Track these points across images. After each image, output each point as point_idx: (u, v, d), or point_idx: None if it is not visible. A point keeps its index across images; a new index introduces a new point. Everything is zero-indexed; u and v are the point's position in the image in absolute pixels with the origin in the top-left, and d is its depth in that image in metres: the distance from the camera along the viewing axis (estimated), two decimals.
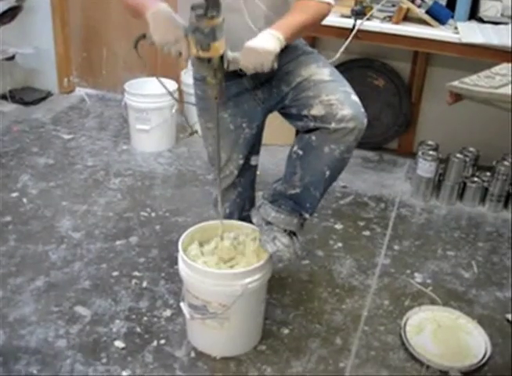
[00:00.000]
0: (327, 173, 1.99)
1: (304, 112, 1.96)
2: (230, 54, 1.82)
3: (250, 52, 1.80)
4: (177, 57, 1.84)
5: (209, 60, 1.79)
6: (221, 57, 1.79)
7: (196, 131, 2.35)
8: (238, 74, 1.98)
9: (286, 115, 2.08)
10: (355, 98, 1.95)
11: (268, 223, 2.13)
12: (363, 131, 1.93)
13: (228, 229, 2.27)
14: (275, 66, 1.82)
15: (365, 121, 1.92)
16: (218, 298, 2.08)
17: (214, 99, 1.92)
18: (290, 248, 2.12)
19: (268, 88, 2.07)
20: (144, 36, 1.87)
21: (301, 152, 2.01)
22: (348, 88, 1.98)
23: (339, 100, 1.90)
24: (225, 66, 1.83)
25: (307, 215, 2.13)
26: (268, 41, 1.80)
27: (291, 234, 2.14)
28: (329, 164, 1.97)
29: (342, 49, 2.13)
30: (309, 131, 1.98)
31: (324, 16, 1.98)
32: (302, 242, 2.87)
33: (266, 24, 1.94)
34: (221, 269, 2.15)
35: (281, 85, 2.03)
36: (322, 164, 1.97)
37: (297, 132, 2.12)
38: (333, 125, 1.89)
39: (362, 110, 1.93)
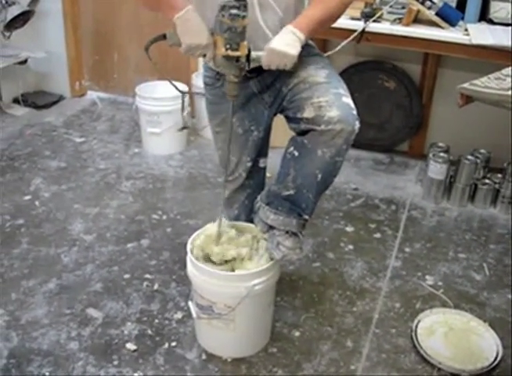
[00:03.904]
0: (319, 176, 1.97)
1: (298, 115, 1.95)
2: (254, 53, 1.86)
3: (273, 54, 1.85)
4: (198, 57, 1.87)
5: (237, 59, 1.83)
6: (247, 56, 1.84)
7: (185, 128, 2.37)
8: (246, 78, 1.99)
9: (286, 118, 2.09)
10: (346, 100, 1.92)
11: (270, 228, 2.12)
12: (354, 133, 1.90)
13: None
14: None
15: (356, 123, 1.89)
16: (223, 299, 2.09)
17: (231, 98, 1.94)
18: (296, 250, 2.11)
19: (273, 91, 2.08)
20: (164, 36, 1.89)
21: (296, 153, 2.00)
22: (342, 90, 1.95)
23: (328, 102, 1.88)
24: (249, 65, 1.87)
25: (306, 216, 2.10)
26: (289, 44, 1.84)
27: (294, 234, 2.11)
28: (321, 168, 1.95)
29: (342, 45, 2.17)
30: (302, 133, 1.98)
31: (345, 8, 1.97)
32: (313, 244, 2.90)
33: (281, 27, 1.95)
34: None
35: (282, 87, 2.04)
36: (314, 168, 1.96)
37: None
38: (321, 127, 1.88)
39: (354, 112, 1.90)
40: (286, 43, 1.84)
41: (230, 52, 1.81)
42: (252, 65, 1.91)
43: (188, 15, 1.83)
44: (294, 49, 1.84)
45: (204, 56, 1.87)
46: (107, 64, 4.51)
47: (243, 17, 1.75)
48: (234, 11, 1.74)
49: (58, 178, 3.45)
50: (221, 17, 1.76)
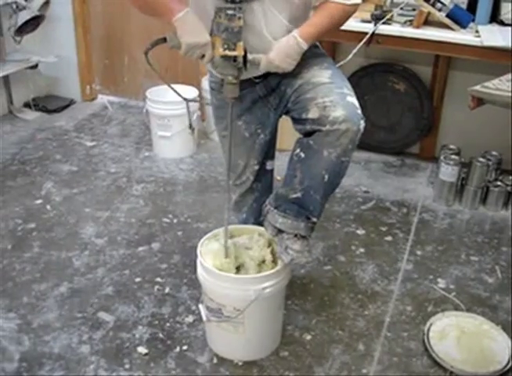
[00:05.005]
0: (326, 177, 1.97)
1: (303, 116, 1.96)
2: (250, 55, 1.91)
3: (268, 64, 1.93)
4: (198, 59, 1.91)
5: (234, 59, 1.86)
6: (244, 57, 1.88)
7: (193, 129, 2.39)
8: (252, 83, 2.04)
9: (291, 119, 2.09)
10: (350, 99, 1.92)
11: (279, 232, 2.11)
12: (359, 133, 1.90)
13: (241, 233, 2.28)
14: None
15: (361, 122, 1.89)
16: (232, 302, 2.09)
17: (230, 99, 1.96)
18: (304, 253, 2.09)
19: (278, 93, 2.09)
20: (164, 39, 1.94)
21: (302, 154, 2.00)
22: (346, 90, 1.96)
23: (332, 102, 1.89)
24: (247, 66, 1.91)
25: (314, 219, 2.09)
26: (289, 56, 1.92)
27: (303, 238, 2.10)
28: (327, 168, 1.95)
29: (353, 53, 2.20)
30: (308, 134, 1.98)
31: (349, 16, 2.01)
32: (324, 248, 2.89)
33: (285, 35, 1.97)
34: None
35: (286, 88, 2.05)
36: (321, 168, 1.96)
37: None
38: (327, 127, 1.88)
39: (359, 111, 1.91)
40: (287, 54, 1.92)
41: (228, 52, 1.86)
42: (250, 70, 1.94)
43: (187, 16, 1.87)
44: (290, 65, 1.93)
45: (202, 57, 1.90)
46: (118, 68, 4.52)
47: (239, 18, 1.82)
48: (231, 11, 1.81)
49: (69, 182, 3.46)
50: (218, 18, 1.83)
